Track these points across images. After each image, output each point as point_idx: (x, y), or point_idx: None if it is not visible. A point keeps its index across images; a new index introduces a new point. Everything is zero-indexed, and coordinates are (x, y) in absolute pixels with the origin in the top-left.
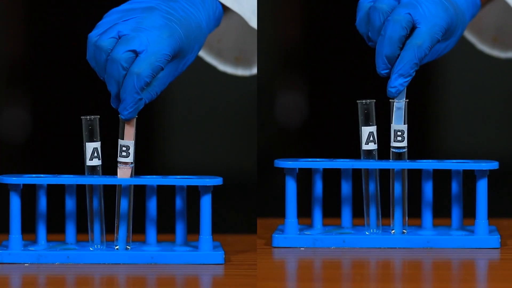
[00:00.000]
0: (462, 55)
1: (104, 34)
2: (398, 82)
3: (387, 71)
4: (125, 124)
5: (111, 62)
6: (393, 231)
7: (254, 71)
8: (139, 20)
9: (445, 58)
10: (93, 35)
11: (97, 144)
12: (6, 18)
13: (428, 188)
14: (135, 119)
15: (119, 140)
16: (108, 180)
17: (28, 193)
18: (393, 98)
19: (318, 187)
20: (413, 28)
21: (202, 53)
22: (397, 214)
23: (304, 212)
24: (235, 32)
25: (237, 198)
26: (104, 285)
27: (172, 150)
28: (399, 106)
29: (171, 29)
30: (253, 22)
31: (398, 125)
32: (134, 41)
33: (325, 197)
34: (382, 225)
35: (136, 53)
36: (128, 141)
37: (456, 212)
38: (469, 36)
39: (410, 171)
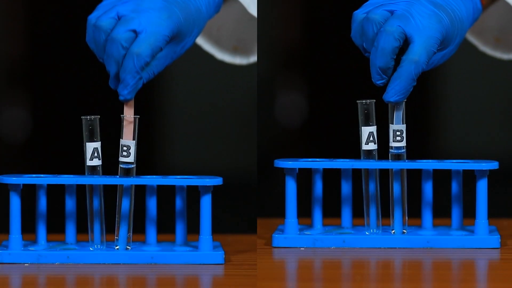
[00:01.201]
0: (464, 56)
1: (103, 15)
2: (393, 99)
3: (382, 81)
4: (124, 106)
5: (110, 42)
6: (393, 231)
7: (252, 59)
8: (138, 2)
9: (446, 60)
10: (92, 17)
11: (97, 144)
12: (6, 18)
13: (428, 188)
14: (133, 101)
15: (121, 139)
16: (108, 180)
17: (28, 193)
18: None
19: (318, 187)
20: (408, 41)
21: (201, 41)
22: (397, 214)
23: (304, 212)
24: (234, 20)
25: (237, 198)
26: (104, 285)
27: (172, 150)
28: (398, 107)
29: (170, 11)
30: (253, 9)
31: (397, 125)
32: (133, 22)
33: (325, 197)
34: (382, 225)
35: (135, 33)
36: (128, 140)
37: (456, 212)
38: (471, 38)
39: (410, 171)
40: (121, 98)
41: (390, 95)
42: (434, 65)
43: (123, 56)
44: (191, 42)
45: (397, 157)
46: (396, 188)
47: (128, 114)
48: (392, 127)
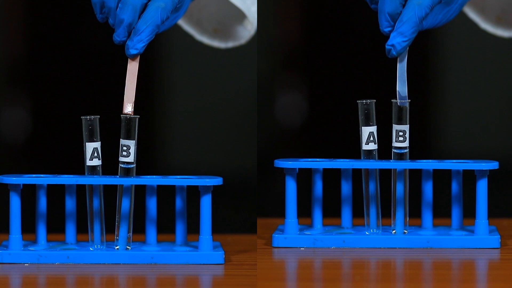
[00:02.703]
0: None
1: None
2: (396, 40)
3: (390, 28)
4: (130, 61)
5: None
6: (394, 231)
7: (229, 44)
8: None
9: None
10: None
11: (97, 144)
12: (6, 18)
13: (428, 188)
14: (139, 56)
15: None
16: (108, 180)
17: (28, 193)
18: (395, 58)
19: (318, 187)
20: None
21: (181, 21)
22: (399, 214)
23: (304, 212)
24: (216, 2)
25: (237, 198)
26: (104, 285)
27: (172, 150)
28: (400, 67)
29: None
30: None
31: (400, 125)
32: None
33: (325, 197)
34: (382, 225)
35: None
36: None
37: (456, 212)
38: (473, 15)
39: (410, 171)
40: (133, 52)
41: (393, 36)
42: (437, 22)
43: (142, 6)
44: (181, 14)
45: (400, 158)
46: (399, 188)
47: (134, 68)
48: (395, 127)
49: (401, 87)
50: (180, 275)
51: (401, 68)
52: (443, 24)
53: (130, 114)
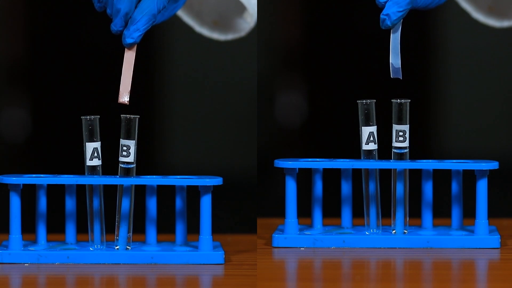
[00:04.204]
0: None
1: None
2: (391, 10)
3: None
4: (126, 51)
5: None
6: (394, 231)
7: (229, 36)
8: None
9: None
10: None
11: (97, 144)
12: (6, 18)
13: (428, 188)
14: (136, 46)
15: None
16: (108, 180)
17: (28, 193)
18: (388, 30)
19: (318, 187)
20: None
21: (181, 13)
22: (399, 214)
23: (304, 212)
24: None
25: (237, 198)
26: (104, 285)
27: (172, 150)
28: (394, 37)
29: None
30: None
31: (400, 125)
32: None
33: (325, 197)
34: (382, 225)
35: None
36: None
37: (456, 212)
38: (465, 4)
39: (410, 171)
40: (129, 40)
41: (389, 6)
42: (431, 1)
43: None
44: (180, 6)
45: (400, 157)
46: (399, 188)
47: (130, 57)
48: (395, 127)
49: (394, 59)
50: (180, 275)
51: (395, 40)
52: (436, 5)
53: (126, 103)
